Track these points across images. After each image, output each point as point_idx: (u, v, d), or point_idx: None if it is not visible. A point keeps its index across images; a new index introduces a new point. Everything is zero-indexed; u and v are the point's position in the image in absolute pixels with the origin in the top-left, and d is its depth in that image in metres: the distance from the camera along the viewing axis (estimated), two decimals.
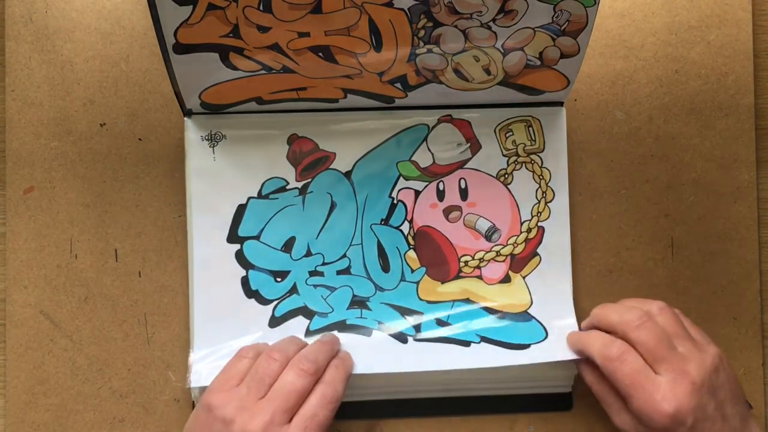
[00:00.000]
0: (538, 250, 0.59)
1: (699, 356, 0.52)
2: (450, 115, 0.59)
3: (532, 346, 0.58)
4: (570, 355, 0.57)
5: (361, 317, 0.58)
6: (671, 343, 0.53)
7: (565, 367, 0.58)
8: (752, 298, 0.62)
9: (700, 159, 0.63)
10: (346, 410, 0.59)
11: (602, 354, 0.53)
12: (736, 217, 0.62)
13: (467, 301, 0.59)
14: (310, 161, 0.59)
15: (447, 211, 0.59)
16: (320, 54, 0.52)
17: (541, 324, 0.59)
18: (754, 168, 0.63)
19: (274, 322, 0.58)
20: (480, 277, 0.59)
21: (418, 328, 0.59)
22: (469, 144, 0.59)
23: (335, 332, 0.58)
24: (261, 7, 0.48)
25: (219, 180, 0.58)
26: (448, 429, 0.60)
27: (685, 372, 0.51)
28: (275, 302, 0.58)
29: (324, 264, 0.59)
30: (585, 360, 0.56)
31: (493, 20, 0.50)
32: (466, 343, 0.58)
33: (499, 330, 0.59)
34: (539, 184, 0.59)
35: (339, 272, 0.59)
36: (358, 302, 0.59)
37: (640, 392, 0.51)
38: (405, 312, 0.59)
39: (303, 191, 0.59)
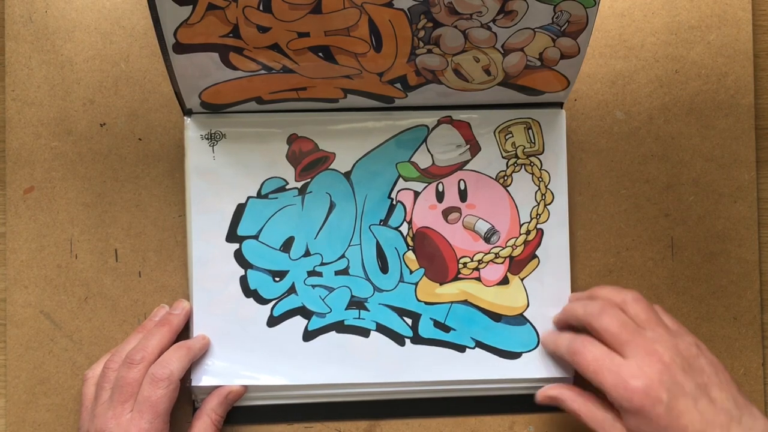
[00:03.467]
0: (537, 253, 0.59)
1: (670, 339, 0.52)
2: (450, 117, 0.59)
3: (523, 355, 0.59)
4: (555, 372, 0.58)
5: (359, 318, 0.58)
6: (638, 328, 0.52)
7: (563, 370, 0.59)
8: (752, 298, 0.62)
9: (700, 159, 0.63)
10: (346, 410, 0.60)
11: (569, 350, 0.54)
12: (736, 217, 0.62)
13: (465, 302, 0.59)
14: (309, 161, 0.59)
15: (446, 213, 0.59)
16: (320, 54, 0.52)
17: (535, 329, 0.59)
18: (754, 168, 0.63)
19: (273, 321, 0.58)
20: (478, 279, 0.59)
21: (415, 329, 0.59)
22: (468, 145, 0.59)
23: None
24: (261, 7, 0.48)
25: (218, 179, 0.58)
26: (448, 429, 0.61)
27: (653, 351, 0.51)
28: (274, 302, 0.58)
29: (322, 264, 0.59)
30: (565, 387, 0.57)
31: (493, 21, 0.50)
32: (461, 348, 0.59)
33: (494, 334, 0.59)
34: (538, 186, 0.59)
35: (337, 272, 0.59)
36: (356, 303, 0.59)
37: (608, 376, 0.50)
38: (403, 313, 0.59)
39: (302, 191, 0.59)
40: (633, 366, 0.50)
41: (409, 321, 0.59)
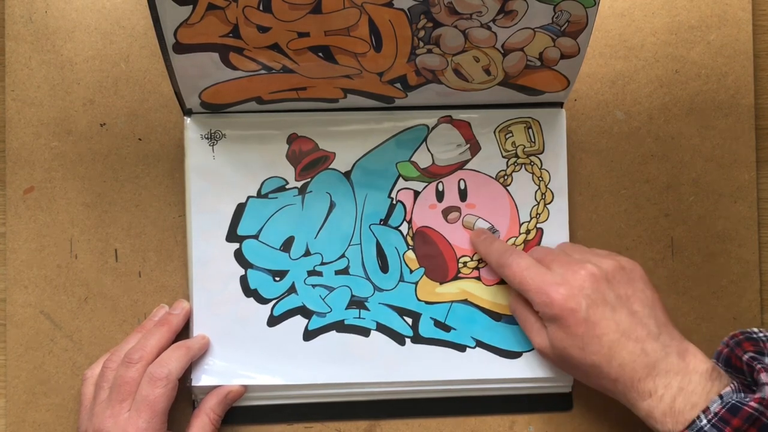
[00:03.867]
0: None
1: (597, 258, 0.52)
2: (450, 116, 0.59)
3: (523, 354, 0.59)
4: (555, 372, 0.58)
5: (359, 317, 0.58)
6: (565, 253, 0.54)
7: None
8: (752, 298, 0.62)
9: (700, 159, 0.63)
10: (346, 410, 0.60)
11: (498, 262, 0.55)
12: (736, 217, 0.62)
13: (465, 302, 0.59)
14: (309, 161, 0.59)
15: (446, 212, 0.59)
16: (320, 54, 0.52)
17: None
18: (754, 168, 0.63)
19: (273, 321, 0.58)
20: (478, 278, 0.59)
21: (415, 329, 0.59)
22: (468, 145, 0.59)
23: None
24: (261, 7, 0.48)
25: (218, 179, 0.58)
26: (448, 429, 0.61)
27: (578, 264, 0.51)
28: (274, 301, 0.58)
29: (323, 264, 0.59)
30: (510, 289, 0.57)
31: (493, 21, 0.50)
32: (462, 348, 0.59)
33: (494, 334, 0.59)
34: (538, 185, 0.59)
35: (338, 272, 0.59)
36: (356, 302, 0.59)
37: (530, 284, 0.52)
38: (403, 312, 0.59)
39: (302, 191, 0.59)
40: (556, 275, 0.51)
41: (410, 320, 0.59)
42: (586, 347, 0.49)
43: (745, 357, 0.47)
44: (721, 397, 0.45)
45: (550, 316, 0.51)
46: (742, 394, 0.45)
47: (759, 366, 0.46)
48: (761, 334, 0.49)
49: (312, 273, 0.59)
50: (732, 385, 0.46)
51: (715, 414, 0.44)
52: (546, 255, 0.54)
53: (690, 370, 0.48)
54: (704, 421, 0.45)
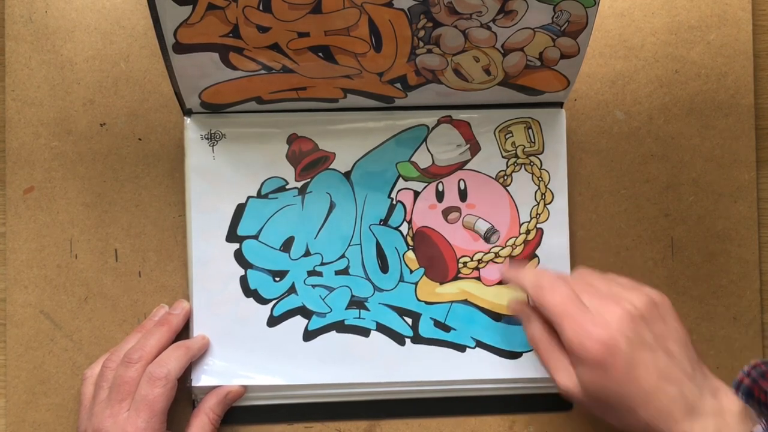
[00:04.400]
0: (537, 252, 0.59)
1: (627, 293, 0.50)
2: (450, 116, 0.59)
3: (524, 354, 0.59)
4: None
5: (359, 318, 0.58)
6: (587, 283, 0.51)
7: None
8: (752, 298, 0.62)
9: (700, 159, 0.63)
10: (346, 410, 0.60)
11: (533, 283, 0.51)
12: (736, 217, 0.62)
13: (465, 302, 0.59)
14: (309, 161, 0.59)
15: (446, 212, 0.59)
16: (320, 54, 0.52)
17: None
18: (754, 168, 0.63)
19: (273, 321, 0.58)
20: (478, 279, 0.59)
21: (415, 329, 0.59)
22: (468, 145, 0.59)
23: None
24: (261, 7, 0.48)
25: (218, 179, 0.58)
26: (448, 429, 0.61)
27: (617, 300, 0.48)
28: (274, 302, 0.58)
29: (323, 264, 0.59)
30: (531, 315, 0.54)
31: (493, 21, 0.50)
32: (462, 348, 0.59)
33: (494, 334, 0.59)
34: (538, 185, 0.59)
35: (338, 272, 0.59)
36: (356, 302, 0.59)
37: (570, 320, 0.48)
38: (403, 313, 0.59)
39: (302, 191, 0.59)
40: (596, 313, 0.48)
41: (410, 321, 0.59)
42: (623, 391, 0.47)
43: None
44: None
45: (585, 357, 0.47)
46: None
47: None
48: None
49: (312, 273, 0.59)
50: (762, 424, 0.45)
51: None
52: (571, 286, 0.51)
53: (725, 410, 0.46)
54: None
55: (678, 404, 0.46)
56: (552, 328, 0.51)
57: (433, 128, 0.59)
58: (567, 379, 0.49)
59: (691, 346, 0.49)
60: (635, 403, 0.47)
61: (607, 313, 0.48)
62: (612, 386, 0.47)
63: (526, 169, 0.59)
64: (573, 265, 0.60)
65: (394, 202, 0.59)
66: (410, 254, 0.59)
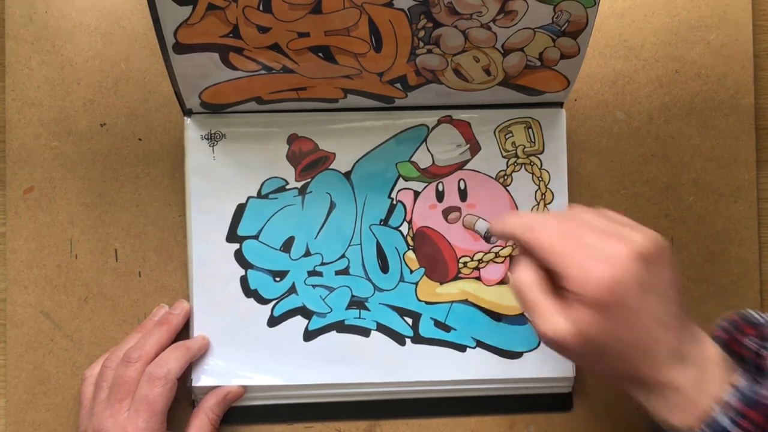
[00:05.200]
0: None
1: (627, 231, 0.44)
2: (450, 116, 0.59)
3: (524, 354, 0.59)
4: (556, 372, 0.58)
5: (359, 318, 0.58)
6: (584, 220, 0.45)
7: (565, 369, 0.59)
8: (752, 298, 0.62)
9: (700, 159, 0.63)
10: (346, 410, 0.60)
11: (523, 225, 0.46)
12: (736, 217, 0.62)
13: (466, 302, 0.59)
14: (309, 161, 0.59)
15: (446, 212, 0.59)
16: (320, 54, 0.52)
17: None
18: (754, 168, 0.63)
19: (273, 321, 0.58)
20: (479, 279, 0.59)
21: (416, 329, 0.59)
22: (468, 145, 0.59)
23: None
24: (261, 7, 0.48)
25: (218, 179, 0.58)
26: (448, 429, 0.61)
27: (614, 238, 0.43)
28: (274, 302, 0.58)
29: (323, 264, 0.59)
30: (520, 258, 0.47)
31: (493, 21, 0.50)
32: (462, 348, 0.59)
33: (494, 334, 0.59)
34: (538, 185, 0.59)
35: (338, 272, 0.59)
36: (356, 303, 0.59)
37: (569, 258, 0.43)
38: (403, 313, 0.59)
39: (302, 191, 0.59)
40: (594, 248, 0.43)
41: (410, 321, 0.59)
42: (623, 336, 0.43)
43: (749, 343, 0.46)
44: (735, 388, 0.43)
45: (587, 297, 0.42)
46: (757, 386, 0.44)
47: (767, 354, 0.44)
48: (762, 319, 0.47)
49: (312, 273, 0.59)
50: (740, 373, 0.44)
51: (735, 409, 0.42)
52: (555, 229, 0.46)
53: (707, 358, 0.45)
54: (723, 417, 0.42)
55: (670, 351, 0.44)
56: (543, 275, 0.46)
57: (433, 128, 0.59)
58: (556, 325, 0.44)
59: (678, 290, 0.46)
60: (630, 350, 0.44)
61: (611, 251, 0.43)
62: (609, 328, 0.43)
63: (526, 169, 0.59)
64: None
65: (395, 202, 0.59)
66: (410, 254, 0.59)
